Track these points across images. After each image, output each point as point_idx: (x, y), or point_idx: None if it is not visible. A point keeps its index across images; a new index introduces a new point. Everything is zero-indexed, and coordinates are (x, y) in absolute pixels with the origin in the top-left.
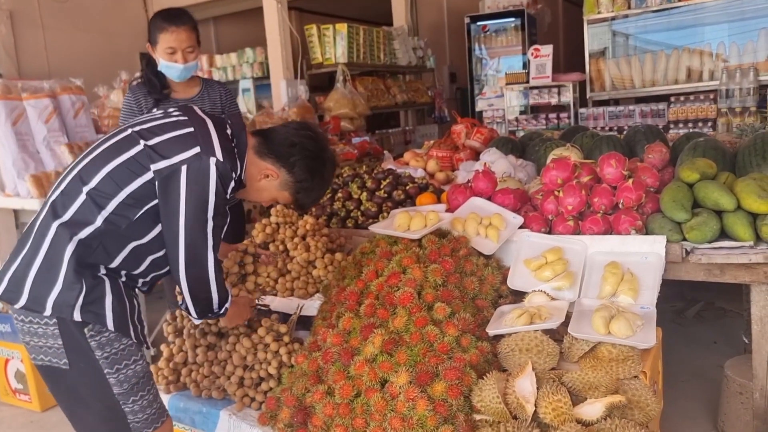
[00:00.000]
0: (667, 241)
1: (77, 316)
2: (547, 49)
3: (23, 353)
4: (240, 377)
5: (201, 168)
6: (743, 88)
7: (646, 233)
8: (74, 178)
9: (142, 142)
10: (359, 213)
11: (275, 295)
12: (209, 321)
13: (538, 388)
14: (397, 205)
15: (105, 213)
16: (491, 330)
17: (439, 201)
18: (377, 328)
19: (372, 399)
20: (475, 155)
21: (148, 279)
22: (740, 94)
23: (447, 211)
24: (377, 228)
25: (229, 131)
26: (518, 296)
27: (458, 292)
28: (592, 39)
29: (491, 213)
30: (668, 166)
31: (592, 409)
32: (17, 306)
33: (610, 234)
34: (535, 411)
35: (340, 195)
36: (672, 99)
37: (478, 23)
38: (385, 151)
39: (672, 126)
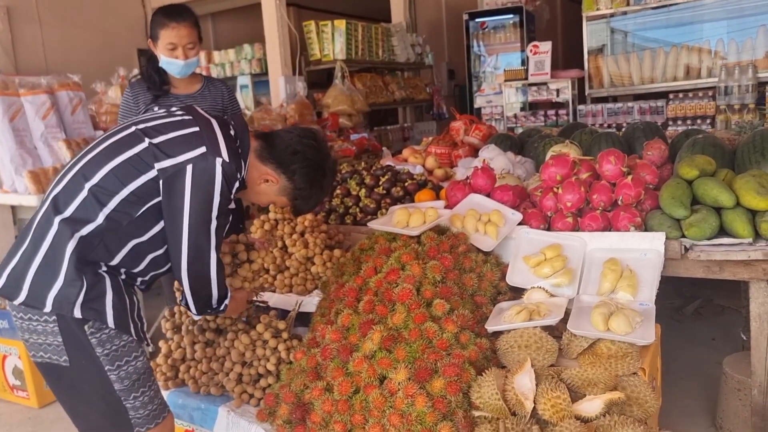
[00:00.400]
0: (666, 237)
1: (77, 313)
2: (546, 46)
3: (21, 349)
4: (238, 374)
5: (207, 168)
6: (742, 85)
7: (645, 230)
8: (76, 175)
9: (146, 140)
10: (358, 209)
11: (274, 291)
12: (208, 317)
13: (537, 385)
14: (395, 201)
15: (107, 210)
16: (490, 326)
17: (437, 198)
18: (376, 324)
19: (371, 395)
20: (474, 152)
21: (147, 278)
22: (739, 91)
23: (446, 207)
24: (376, 224)
25: (232, 132)
26: (517, 293)
27: (457, 288)
28: (591, 36)
29: (490, 210)
30: (667, 163)
31: (591, 405)
32: (16, 302)
33: (609, 231)
34: (534, 407)
35: (338, 191)
36: (671, 96)
37: (477, 20)
38: (384, 148)
39: (671, 123)
